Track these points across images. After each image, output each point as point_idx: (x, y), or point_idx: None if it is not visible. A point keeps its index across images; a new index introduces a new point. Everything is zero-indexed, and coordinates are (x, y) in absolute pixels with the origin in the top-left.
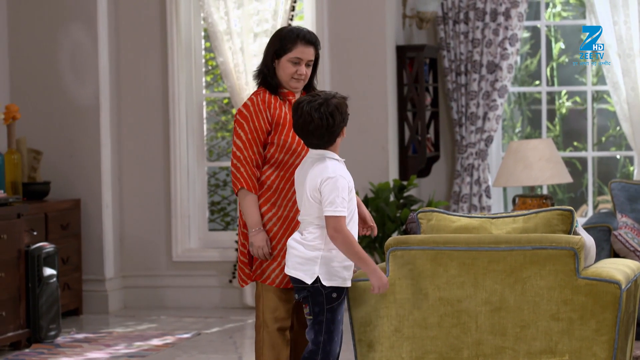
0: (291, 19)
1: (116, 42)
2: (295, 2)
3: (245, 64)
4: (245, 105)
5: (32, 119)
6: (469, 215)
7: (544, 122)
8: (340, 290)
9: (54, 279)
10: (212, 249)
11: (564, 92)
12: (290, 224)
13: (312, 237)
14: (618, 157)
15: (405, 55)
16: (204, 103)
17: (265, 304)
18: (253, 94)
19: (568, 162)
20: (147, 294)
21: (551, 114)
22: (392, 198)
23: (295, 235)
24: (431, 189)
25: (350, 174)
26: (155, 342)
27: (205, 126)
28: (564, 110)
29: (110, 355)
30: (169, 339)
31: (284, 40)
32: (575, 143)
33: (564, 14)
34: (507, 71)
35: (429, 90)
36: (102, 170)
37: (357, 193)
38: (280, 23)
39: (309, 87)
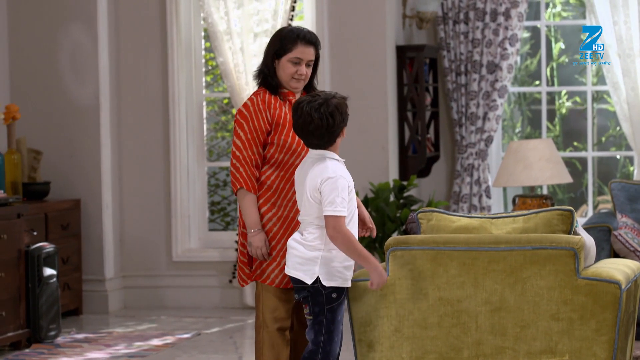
0: (291, 19)
1: (116, 42)
2: (295, 2)
3: (245, 64)
4: (245, 105)
5: (32, 119)
6: (469, 215)
7: (544, 122)
8: (340, 291)
9: (54, 279)
10: (212, 249)
11: (564, 92)
12: (290, 224)
13: (312, 237)
14: (618, 157)
15: (405, 55)
16: (204, 103)
17: (265, 304)
18: (253, 94)
19: (568, 162)
20: (147, 294)
21: (551, 114)
22: (392, 198)
23: (296, 235)
24: (431, 189)
25: (350, 174)
26: (155, 342)
27: (205, 126)
28: (564, 110)
29: (110, 355)
30: (169, 339)
31: (284, 41)
32: (575, 143)
33: (564, 14)
34: (507, 71)
35: (429, 90)
36: (102, 170)
37: (356, 193)
38: (280, 23)
39: (309, 87)
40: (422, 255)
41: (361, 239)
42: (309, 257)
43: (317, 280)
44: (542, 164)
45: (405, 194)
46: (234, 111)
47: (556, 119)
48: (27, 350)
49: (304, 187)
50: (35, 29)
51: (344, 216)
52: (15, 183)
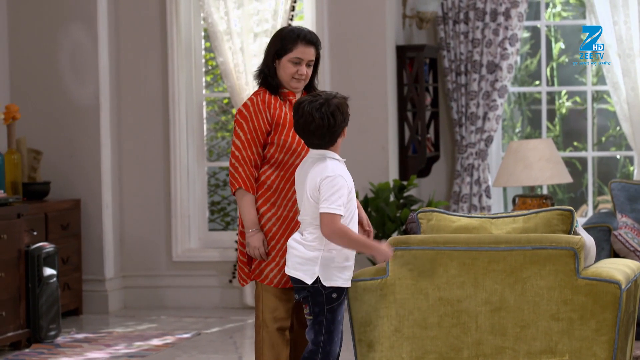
0: (291, 19)
1: (116, 42)
2: (295, 2)
3: (245, 64)
4: (245, 105)
5: (32, 119)
6: (469, 215)
7: (544, 122)
8: (340, 291)
9: (54, 279)
10: (212, 249)
11: (564, 92)
12: (290, 224)
13: (312, 237)
14: (618, 157)
15: (405, 55)
16: (204, 103)
17: (265, 304)
18: (253, 94)
19: (568, 162)
20: (147, 294)
21: (551, 114)
22: (392, 198)
23: (296, 235)
24: (431, 189)
25: (350, 175)
26: (155, 342)
27: (205, 126)
28: (564, 110)
29: (110, 355)
30: (169, 339)
31: (285, 41)
32: (575, 143)
33: (564, 14)
34: (507, 71)
35: (429, 90)
36: (102, 170)
37: (356, 194)
38: (280, 23)
39: (310, 87)
40: (422, 255)
41: None
42: (309, 257)
43: (317, 280)
44: (542, 164)
45: (405, 194)
46: (234, 111)
47: (556, 119)
48: (27, 350)
49: (304, 187)
50: (35, 29)
51: (339, 215)
52: (15, 183)
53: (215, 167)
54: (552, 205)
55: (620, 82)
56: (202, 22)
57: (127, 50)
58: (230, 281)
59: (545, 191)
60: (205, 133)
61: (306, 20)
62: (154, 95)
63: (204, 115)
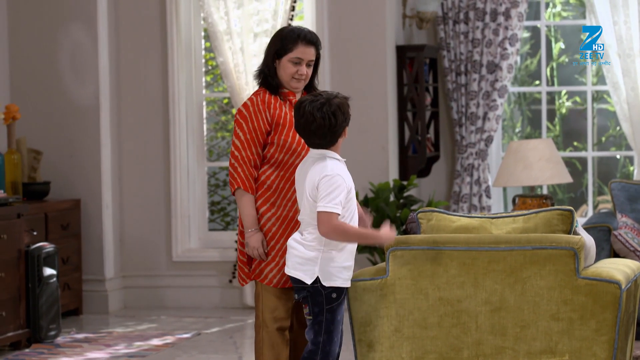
0: (291, 19)
1: (116, 42)
2: (295, 2)
3: (245, 64)
4: (245, 105)
5: (32, 119)
6: (469, 215)
7: (544, 122)
8: (339, 291)
9: (54, 279)
10: (212, 249)
11: (564, 92)
12: (290, 223)
13: (311, 237)
14: (618, 157)
15: (405, 55)
16: (204, 103)
17: (265, 304)
18: (253, 94)
19: (568, 162)
20: (147, 294)
21: (551, 114)
22: (392, 198)
23: (296, 235)
24: (431, 189)
25: (350, 175)
26: (155, 342)
27: (205, 126)
28: (564, 110)
29: (110, 355)
30: (169, 339)
31: (285, 40)
32: (575, 143)
33: (564, 14)
34: (507, 71)
35: (429, 90)
36: (102, 170)
37: (356, 194)
38: (280, 23)
39: (310, 87)
40: (422, 255)
41: None
42: (309, 257)
43: (317, 280)
44: (542, 164)
45: (405, 194)
46: (234, 111)
47: (556, 119)
48: (27, 350)
49: (303, 186)
50: (35, 29)
51: (336, 213)
52: (15, 183)
53: (215, 167)
54: (552, 205)
55: (620, 82)
56: (202, 22)
57: (127, 50)
58: (230, 281)
59: (545, 191)
60: (205, 133)
61: (306, 20)
62: (154, 95)
63: (204, 115)
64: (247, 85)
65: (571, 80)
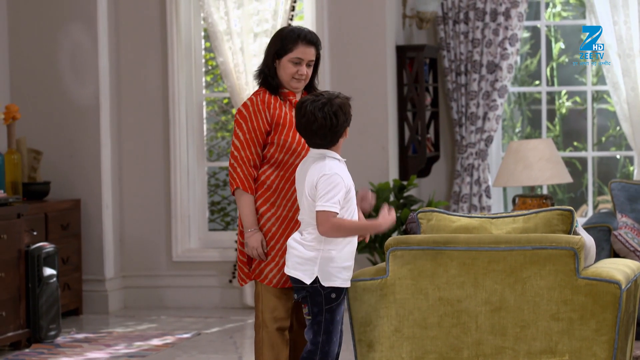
0: (291, 19)
1: (116, 42)
2: (295, 2)
3: (245, 64)
4: (244, 105)
5: (32, 119)
6: (469, 215)
7: (544, 122)
8: (339, 291)
9: (54, 279)
10: (212, 249)
11: (564, 92)
12: (290, 223)
13: (311, 237)
14: (618, 157)
15: (405, 55)
16: (204, 103)
17: (265, 304)
18: (253, 94)
19: (568, 162)
20: (147, 294)
21: (551, 114)
22: (392, 198)
23: (295, 235)
24: (431, 189)
25: (350, 175)
26: (155, 342)
27: (205, 126)
28: (564, 110)
29: (110, 355)
30: (169, 339)
31: (285, 41)
32: (575, 143)
33: (564, 14)
34: (507, 71)
35: (429, 90)
36: (102, 170)
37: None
38: (280, 23)
39: (310, 87)
40: (422, 255)
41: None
42: (308, 257)
43: (316, 280)
44: (542, 164)
45: (405, 194)
46: (234, 111)
47: (556, 119)
48: (27, 350)
49: (303, 186)
50: (35, 29)
51: (334, 212)
52: (15, 183)
53: (215, 167)
54: (552, 205)
55: (620, 82)
56: (202, 22)
57: (127, 50)
58: (230, 281)
59: (545, 191)
60: (205, 133)
61: (306, 20)
62: (154, 95)
63: (204, 115)
64: (247, 85)
65: (571, 80)
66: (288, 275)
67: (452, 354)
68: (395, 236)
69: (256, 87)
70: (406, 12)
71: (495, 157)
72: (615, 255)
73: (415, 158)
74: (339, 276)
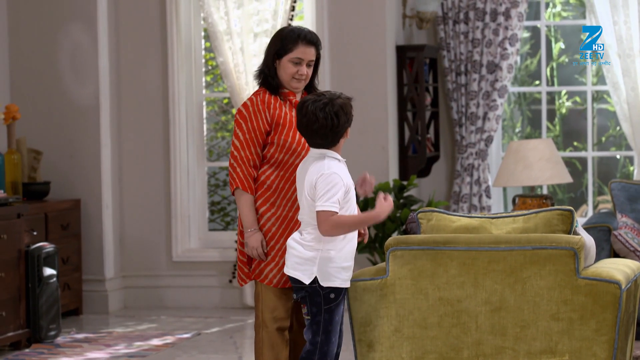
0: (291, 19)
1: (116, 42)
2: (295, 2)
3: (245, 64)
4: (244, 105)
5: (32, 119)
6: (469, 215)
7: (544, 122)
8: (338, 291)
9: (54, 279)
10: (212, 249)
11: (564, 92)
12: (290, 223)
13: (310, 237)
14: (618, 157)
15: (405, 55)
16: (204, 103)
17: (265, 304)
18: (253, 94)
19: (568, 162)
20: (147, 294)
21: (551, 114)
22: (392, 198)
23: (295, 235)
24: (431, 189)
25: (350, 175)
26: (155, 342)
27: (205, 126)
28: (564, 110)
29: (110, 355)
30: (169, 339)
31: (285, 41)
32: (575, 143)
33: (564, 14)
34: (507, 71)
35: (429, 90)
36: (102, 170)
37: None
38: (280, 23)
39: (310, 87)
40: (422, 255)
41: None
42: (307, 257)
43: (315, 280)
44: (542, 164)
45: (405, 194)
46: (234, 111)
47: (556, 119)
48: (27, 350)
49: (303, 185)
50: (35, 29)
51: (334, 212)
52: (15, 183)
53: (215, 167)
54: (552, 205)
55: (620, 82)
56: (202, 22)
57: (127, 50)
58: (230, 281)
59: (545, 191)
60: (205, 133)
61: (306, 20)
62: (154, 95)
63: (204, 115)
64: (247, 85)
65: (571, 80)
66: (288, 275)
67: (452, 354)
68: (395, 236)
69: (256, 87)
70: (406, 12)
71: (495, 157)
72: (615, 255)
73: (415, 158)
74: (338, 276)
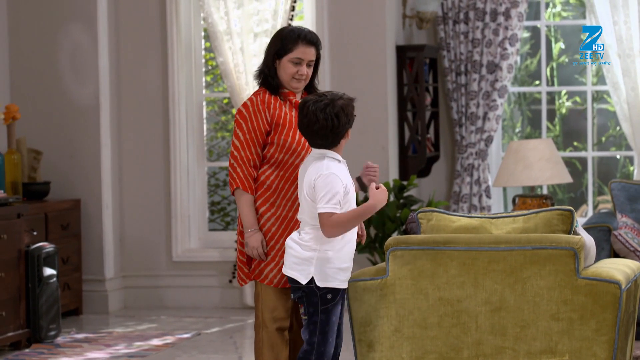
0: (291, 19)
1: (116, 42)
2: (295, 2)
3: (245, 64)
4: (244, 105)
5: (32, 119)
6: (469, 215)
7: (544, 122)
8: (335, 292)
9: (54, 279)
10: (212, 249)
11: (564, 92)
12: (289, 223)
13: (308, 237)
14: (618, 157)
15: (405, 55)
16: (204, 103)
17: (264, 304)
18: (253, 94)
19: (568, 162)
20: (147, 294)
21: (551, 114)
22: (392, 198)
23: (294, 234)
24: (431, 189)
25: (350, 176)
26: (155, 342)
27: (205, 126)
28: (564, 110)
29: (110, 355)
30: (169, 339)
31: (285, 41)
32: (575, 143)
33: (564, 14)
34: (507, 71)
35: (429, 90)
36: (102, 170)
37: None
38: (280, 23)
39: (310, 87)
40: (422, 255)
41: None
42: (305, 257)
43: (312, 280)
44: (542, 164)
45: (405, 194)
46: (234, 111)
47: (556, 119)
48: (27, 350)
49: (302, 185)
50: (35, 29)
51: (335, 213)
52: (15, 183)
53: (215, 167)
54: (552, 205)
55: (620, 82)
56: (202, 22)
57: (127, 50)
58: (230, 281)
59: (545, 191)
60: (205, 133)
61: (306, 20)
62: (154, 95)
63: (204, 115)
64: (247, 85)
65: (571, 80)
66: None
67: (452, 354)
68: (395, 236)
69: (256, 87)
70: (406, 12)
71: (495, 157)
72: (615, 255)
73: (415, 158)
74: (336, 277)
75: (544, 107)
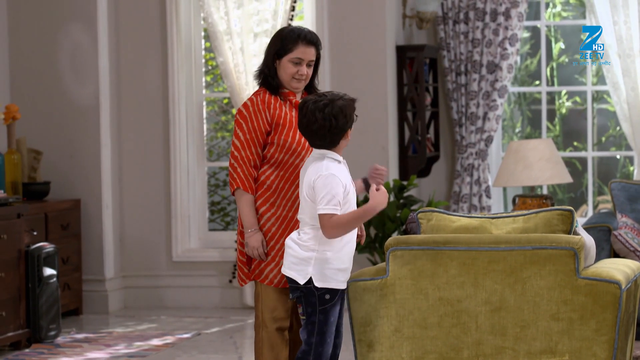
0: (291, 19)
1: (116, 42)
2: (295, 2)
3: (245, 64)
4: (245, 105)
5: (32, 119)
6: (469, 215)
7: (544, 122)
8: (333, 292)
9: (54, 279)
10: (212, 249)
11: (564, 92)
12: (289, 224)
13: (306, 237)
14: (618, 157)
15: (405, 55)
16: (204, 103)
17: (264, 304)
18: (253, 94)
19: (568, 162)
20: (147, 294)
21: (551, 114)
22: (392, 198)
23: (293, 234)
24: (431, 189)
25: (350, 176)
26: (155, 342)
27: (205, 126)
28: (564, 110)
29: (110, 355)
30: (169, 339)
31: (285, 41)
32: (575, 143)
33: (564, 14)
34: (507, 71)
35: (429, 90)
36: (102, 170)
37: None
38: (280, 23)
39: (310, 87)
40: (422, 255)
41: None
42: (303, 257)
43: (310, 280)
44: (542, 164)
45: (405, 194)
46: (234, 111)
47: (556, 119)
48: (27, 350)
49: (302, 186)
50: (35, 29)
51: (335, 214)
52: (15, 183)
53: (215, 167)
54: (552, 205)
55: (620, 82)
56: (202, 22)
57: (127, 50)
58: (230, 281)
59: (545, 191)
60: (205, 133)
61: (306, 20)
62: (154, 95)
63: (204, 115)
64: (247, 85)
65: (571, 80)
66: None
67: (452, 354)
68: (395, 236)
69: (256, 87)
70: (406, 12)
71: (495, 157)
72: (615, 255)
73: (415, 158)
74: (335, 278)
75: (544, 107)
